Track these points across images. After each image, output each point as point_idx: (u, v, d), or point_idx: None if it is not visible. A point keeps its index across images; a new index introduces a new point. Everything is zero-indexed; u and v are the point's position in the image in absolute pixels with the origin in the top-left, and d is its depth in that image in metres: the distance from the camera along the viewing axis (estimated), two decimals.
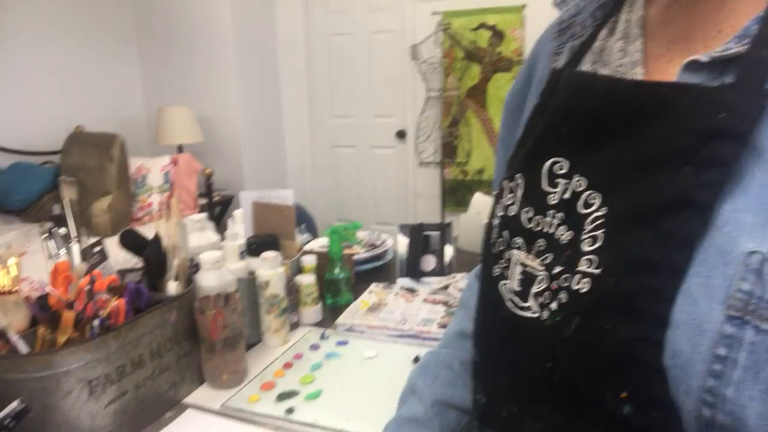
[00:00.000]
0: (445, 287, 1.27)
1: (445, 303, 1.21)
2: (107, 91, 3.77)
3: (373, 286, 1.34)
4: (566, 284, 0.44)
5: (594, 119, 0.46)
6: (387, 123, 3.93)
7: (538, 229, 0.48)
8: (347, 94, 4.01)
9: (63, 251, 0.94)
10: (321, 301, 1.23)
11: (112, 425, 0.81)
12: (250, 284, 1.08)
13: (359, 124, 4.03)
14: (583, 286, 0.43)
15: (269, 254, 1.08)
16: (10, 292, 0.84)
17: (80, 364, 0.76)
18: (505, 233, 0.51)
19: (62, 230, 0.94)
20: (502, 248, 0.52)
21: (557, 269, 0.46)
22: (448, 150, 3.66)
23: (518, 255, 0.49)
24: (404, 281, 1.36)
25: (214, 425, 0.86)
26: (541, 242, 0.48)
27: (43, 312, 0.84)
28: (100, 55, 3.71)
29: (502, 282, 0.51)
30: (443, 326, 1.10)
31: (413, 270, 1.36)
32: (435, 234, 1.39)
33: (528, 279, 0.48)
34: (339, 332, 1.14)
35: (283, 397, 0.92)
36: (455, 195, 3.74)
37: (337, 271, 1.27)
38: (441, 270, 1.36)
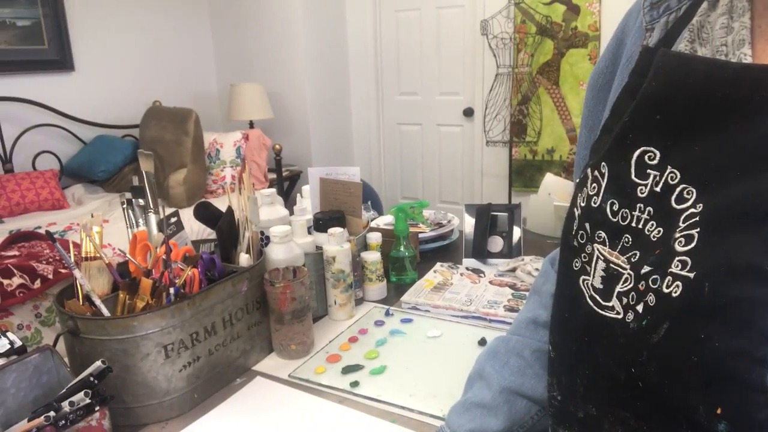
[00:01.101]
0: (513, 270, 1.24)
1: (512, 286, 1.19)
2: (182, 66, 3.90)
3: (438, 266, 1.33)
4: (655, 286, 0.41)
5: (692, 107, 0.42)
6: (454, 100, 3.86)
7: (625, 223, 0.45)
8: (414, 71, 3.96)
9: (141, 221, 0.98)
10: (386, 279, 1.23)
11: (186, 388, 0.84)
12: (317, 259, 1.10)
13: (426, 101, 3.98)
14: (674, 289, 0.39)
15: (336, 230, 1.09)
16: (93, 258, 0.88)
17: (157, 329, 0.79)
18: (587, 225, 0.48)
19: (140, 201, 0.98)
20: (583, 241, 0.49)
21: (645, 269, 0.42)
22: (518, 129, 3.56)
23: (601, 250, 0.46)
24: (470, 262, 1.34)
25: (282, 393, 0.88)
26: (627, 237, 0.44)
27: (123, 278, 0.88)
28: (176, 32, 3.84)
29: (583, 277, 0.48)
30: (510, 309, 1.08)
31: (480, 251, 1.33)
32: (503, 215, 1.35)
33: (612, 277, 0.45)
34: (403, 310, 1.14)
35: (348, 370, 0.93)
36: (523, 175, 3.64)
37: (402, 249, 1.27)
38: (508, 252, 1.33)
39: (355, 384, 0.89)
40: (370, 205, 1.66)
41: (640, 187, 0.44)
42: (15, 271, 1.77)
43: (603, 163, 0.48)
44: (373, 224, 1.51)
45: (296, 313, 0.95)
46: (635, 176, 0.44)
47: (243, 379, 0.93)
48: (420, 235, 1.42)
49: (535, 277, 1.19)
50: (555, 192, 1.63)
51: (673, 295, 0.39)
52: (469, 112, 3.80)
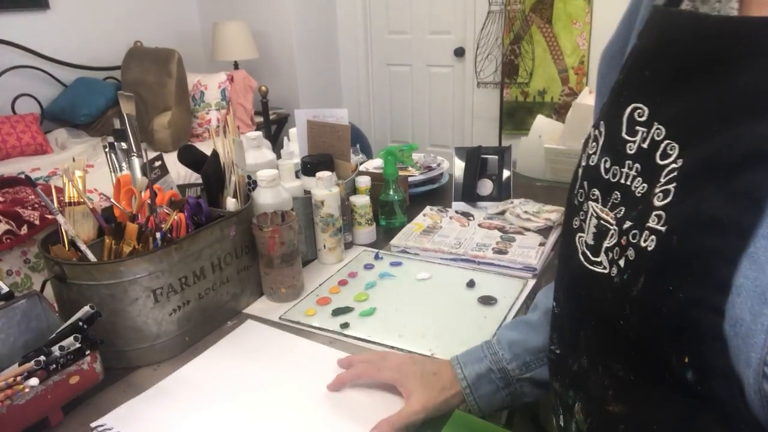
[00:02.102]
0: (502, 212, 1.24)
1: (501, 228, 1.19)
2: (164, 4, 3.75)
3: (427, 209, 1.32)
4: (635, 241, 0.42)
5: (677, 62, 0.42)
6: (445, 40, 3.77)
7: (615, 180, 0.45)
8: (404, 9, 3.84)
9: (125, 165, 0.96)
10: (375, 223, 1.23)
11: (177, 331, 0.85)
12: (306, 203, 1.09)
13: (416, 40, 3.88)
14: (649, 243, 0.40)
15: (324, 174, 1.08)
16: (77, 203, 0.87)
17: (145, 274, 0.79)
18: (585, 184, 0.49)
19: (123, 144, 0.96)
20: (581, 200, 0.50)
21: (627, 224, 0.43)
22: (509, 69, 3.49)
23: (594, 207, 0.47)
24: (459, 205, 1.34)
25: (272, 335, 0.89)
26: (616, 194, 0.45)
27: (109, 223, 0.87)
28: None
29: (579, 235, 0.49)
30: (498, 251, 1.08)
31: (469, 194, 1.33)
32: (493, 158, 1.34)
33: (601, 233, 0.46)
34: (393, 253, 1.15)
35: (338, 312, 0.94)
36: (514, 117, 3.61)
37: (391, 192, 1.26)
38: (498, 195, 1.32)
39: (345, 326, 0.90)
40: (359, 148, 1.64)
41: (629, 144, 0.44)
42: (1, 218, 1.74)
43: (602, 122, 0.48)
44: (362, 168, 1.49)
45: (285, 257, 0.95)
46: (625, 133, 0.45)
47: (234, 321, 0.94)
48: (409, 179, 1.40)
49: (524, 219, 1.19)
50: (546, 134, 1.61)
51: (648, 249, 0.40)
52: (459, 52, 3.72)
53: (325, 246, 1.10)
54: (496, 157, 1.34)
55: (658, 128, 0.42)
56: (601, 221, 0.46)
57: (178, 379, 0.80)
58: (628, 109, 0.45)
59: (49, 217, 1.85)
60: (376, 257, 1.13)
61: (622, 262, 0.43)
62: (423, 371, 0.71)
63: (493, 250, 1.09)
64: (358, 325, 0.91)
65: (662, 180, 0.41)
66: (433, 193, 1.45)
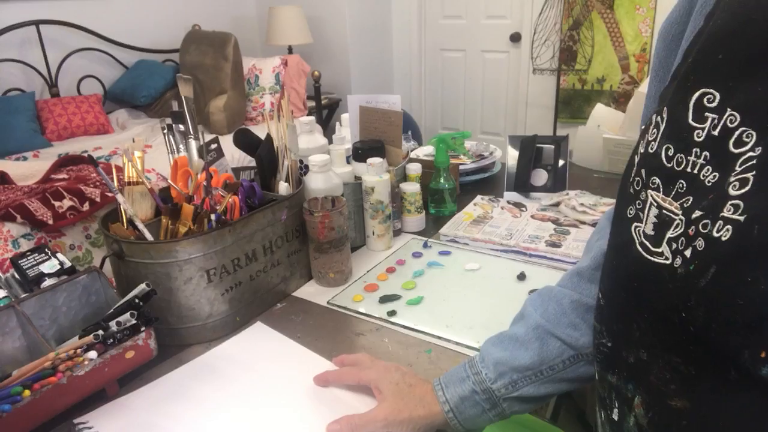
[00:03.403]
0: (556, 204, 1.21)
1: (555, 221, 1.16)
2: None
3: (478, 199, 1.30)
4: (705, 230, 0.40)
5: (756, 44, 0.39)
6: (501, 25, 3.68)
7: (680, 168, 0.43)
8: None
9: (182, 147, 0.98)
10: (424, 211, 1.22)
11: (228, 311, 0.86)
12: (356, 189, 1.09)
13: (470, 25, 3.81)
14: (724, 233, 0.38)
15: (375, 160, 1.07)
16: (136, 183, 0.89)
17: (199, 255, 0.80)
18: (643, 172, 0.47)
19: (181, 126, 0.98)
20: (638, 188, 0.47)
21: (697, 213, 0.41)
22: (567, 56, 3.38)
23: (655, 196, 0.45)
24: (511, 195, 1.31)
25: (274, 341, 0.86)
26: (681, 183, 0.43)
27: (166, 204, 0.89)
28: None
29: (635, 224, 0.47)
30: (551, 244, 1.05)
31: (522, 184, 1.30)
32: (549, 147, 1.30)
33: (663, 223, 0.44)
34: (441, 242, 1.13)
35: (385, 299, 0.94)
36: (571, 105, 3.50)
37: (442, 180, 1.24)
38: (553, 186, 1.29)
39: (392, 313, 0.90)
40: (411, 134, 1.62)
41: (696, 131, 0.42)
42: (65, 194, 1.82)
43: (664, 108, 0.46)
44: (412, 155, 1.48)
45: (334, 243, 0.96)
46: (692, 120, 0.42)
47: (283, 304, 0.95)
48: (460, 167, 1.38)
49: (580, 212, 1.16)
50: (604, 124, 1.55)
51: (723, 239, 0.38)
52: (516, 38, 3.63)
53: (374, 233, 1.10)
54: (552, 146, 1.30)
55: (731, 115, 0.40)
56: (664, 211, 0.44)
57: (170, 381, 0.77)
58: (696, 95, 0.42)
59: (110, 195, 1.93)
60: (425, 245, 1.12)
61: (688, 253, 0.41)
62: (400, 381, 0.67)
63: (546, 243, 1.06)
64: (405, 313, 0.90)
65: (738, 169, 0.39)
66: (484, 183, 1.43)
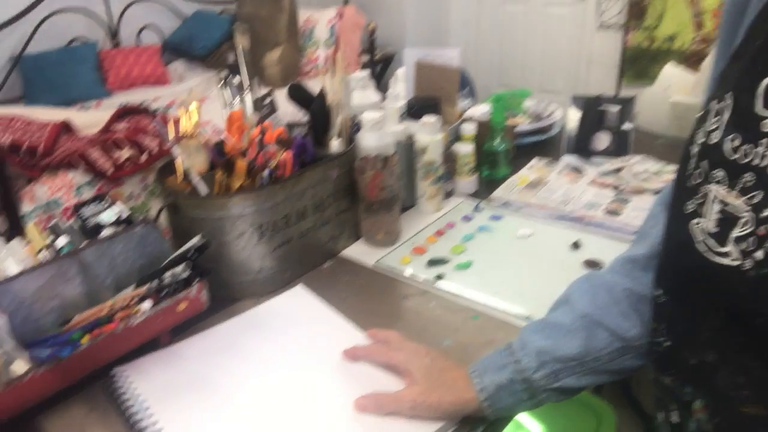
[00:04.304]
0: (618, 170, 1.15)
1: (616, 187, 1.11)
2: None
3: (534, 162, 1.26)
4: None
5: None
6: None
7: (746, 161, 0.39)
8: None
9: (237, 100, 0.98)
10: (477, 173, 1.18)
11: (278, 267, 0.87)
12: (408, 148, 1.06)
13: None
14: None
15: (429, 119, 1.04)
16: (192, 136, 0.90)
17: (251, 210, 0.81)
18: (704, 164, 0.43)
19: (236, 79, 0.97)
20: (698, 181, 0.43)
21: (767, 211, 0.37)
22: (636, 11, 3.18)
23: (718, 190, 0.41)
24: (570, 159, 1.25)
25: (312, 306, 0.85)
26: (748, 177, 0.39)
27: (220, 158, 0.89)
28: None
29: (695, 221, 0.43)
30: (610, 212, 1.01)
31: (582, 147, 1.24)
32: (613, 109, 1.23)
33: (728, 220, 0.40)
34: (493, 206, 1.10)
35: (433, 263, 0.93)
36: (637, 65, 3.31)
37: (497, 142, 1.20)
38: (615, 150, 1.22)
39: (439, 277, 0.89)
40: (467, 92, 1.57)
41: (765, 121, 0.38)
42: (124, 145, 1.87)
43: (727, 95, 0.41)
44: (467, 114, 1.43)
45: (384, 203, 0.94)
46: (763, 107, 0.39)
47: (331, 263, 0.95)
48: (517, 128, 1.33)
49: (642, 179, 1.10)
50: (674, 85, 1.46)
51: None
52: None
53: (424, 194, 1.08)
54: (617, 108, 1.23)
55: None
56: (728, 207, 0.40)
57: (219, 333, 0.78)
58: (766, 81, 0.38)
59: (166, 147, 1.97)
60: (476, 209, 1.09)
61: (760, 255, 0.38)
62: (431, 365, 0.65)
63: (605, 211, 1.01)
64: (453, 277, 0.89)
65: None
66: (541, 145, 1.37)
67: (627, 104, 1.23)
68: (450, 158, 1.12)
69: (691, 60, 3.07)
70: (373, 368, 0.70)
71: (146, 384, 0.68)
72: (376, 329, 0.75)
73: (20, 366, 0.62)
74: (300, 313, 0.83)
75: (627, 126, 1.23)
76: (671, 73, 1.51)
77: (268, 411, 0.65)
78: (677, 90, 1.44)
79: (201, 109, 0.94)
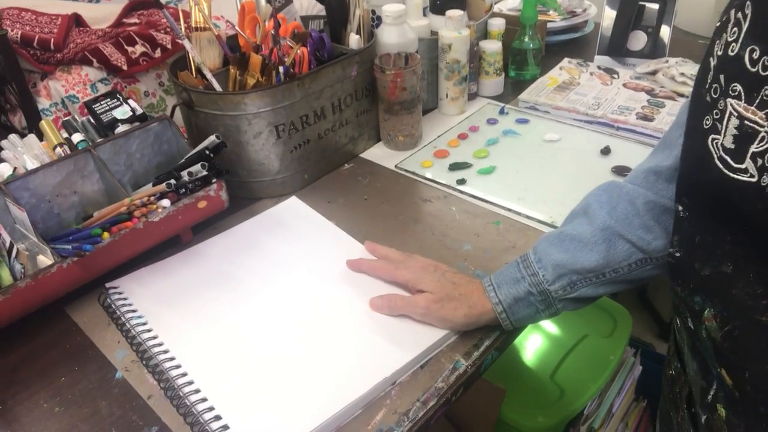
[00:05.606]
0: (653, 72, 1.09)
1: (650, 91, 1.05)
2: None
3: (565, 62, 1.19)
4: None
5: None
6: None
7: (766, 73, 0.36)
8: None
9: None
10: (504, 73, 1.12)
11: (297, 168, 0.86)
12: (432, 46, 1.01)
13: None
14: None
15: (455, 13, 0.97)
16: (203, 29, 0.85)
17: (268, 109, 0.78)
18: (722, 77, 0.40)
19: None
20: (716, 96, 0.41)
21: None
22: None
23: (735, 105, 0.39)
24: (603, 60, 1.18)
25: (309, 218, 0.82)
26: (767, 91, 0.36)
27: (233, 53, 0.85)
28: None
29: (713, 136, 0.41)
30: (643, 117, 0.96)
31: (617, 47, 1.17)
32: (653, 7, 1.14)
33: (745, 135, 0.38)
34: (520, 109, 1.06)
35: (455, 167, 0.90)
36: None
37: (526, 39, 1.13)
38: (652, 51, 1.15)
39: (461, 182, 0.87)
40: None
41: None
42: (137, 39, 1.81)
43: (748, 3, 0.38)
44: (495, 8, 1.34)
45: (406, 104, 0.91)
46: None
47: (351, 165, 0.93)
48: (549, 25, 1.25)
49: (679, 82, 1.04)
50: None
51: None
52: None
53: (447, 95, 1.03)
54: (656, 6, 1.14)
55: None
56: (746, 122, 0.38)
57: (199, 252, 0.75)
58: None
59: (179, 42, 1.90)
60: (501, 112, 1.05)
61: None
62: (442, 278, 0.64)
63: (638, 116, 0.97)
64: (475, 182, 0.87)
65: None
66: (573, 43, 1.30)
67: (667, 2, 1.14)
68: (476, 57, 1.06)
69: None
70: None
71: (144, 292, 0.68)
72: (373, 243, 0.73)
73: (45, 259, 0.63)
74: (297, 223, 0.80)
75: (666, 27, 1.14)
76: None
77: (275, 312, 0.66)
78: None
79: (213, 1, 0.89)
